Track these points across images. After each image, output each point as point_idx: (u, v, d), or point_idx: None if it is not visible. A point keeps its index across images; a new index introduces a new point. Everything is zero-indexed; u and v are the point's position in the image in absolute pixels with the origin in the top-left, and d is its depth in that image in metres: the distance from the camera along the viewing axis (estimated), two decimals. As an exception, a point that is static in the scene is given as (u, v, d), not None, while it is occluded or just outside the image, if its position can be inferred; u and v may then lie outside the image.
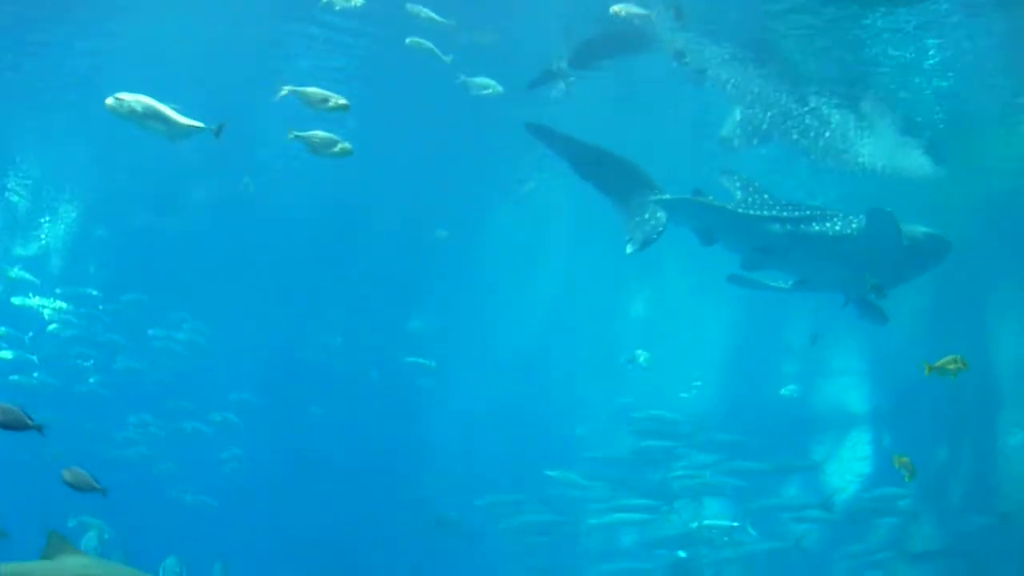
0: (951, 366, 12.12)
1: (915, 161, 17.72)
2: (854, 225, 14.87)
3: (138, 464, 26.56)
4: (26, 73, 18.14)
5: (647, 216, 14.45)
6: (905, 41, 14.78)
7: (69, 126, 19.72)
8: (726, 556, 22.83)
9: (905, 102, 16.39)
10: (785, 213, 14.96)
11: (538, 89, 16.42)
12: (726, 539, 22.61)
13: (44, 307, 25.85)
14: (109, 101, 10.33)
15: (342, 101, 11.50)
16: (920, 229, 14.96)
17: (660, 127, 17.80)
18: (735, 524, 22.70)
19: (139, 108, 10.35)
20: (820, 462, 25.39)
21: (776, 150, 17.49)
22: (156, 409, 26.23)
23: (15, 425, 9.63)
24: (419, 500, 26.69)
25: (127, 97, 10.36)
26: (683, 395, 27.27)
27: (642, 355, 24.35)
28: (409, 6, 13.56)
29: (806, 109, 16.40)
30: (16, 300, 26.19)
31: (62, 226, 25.19)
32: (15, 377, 25.48)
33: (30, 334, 25.75)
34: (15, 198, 23.51)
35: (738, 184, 15.27)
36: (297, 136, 11.44)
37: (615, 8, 13.27)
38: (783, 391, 25.53)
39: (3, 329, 25.18)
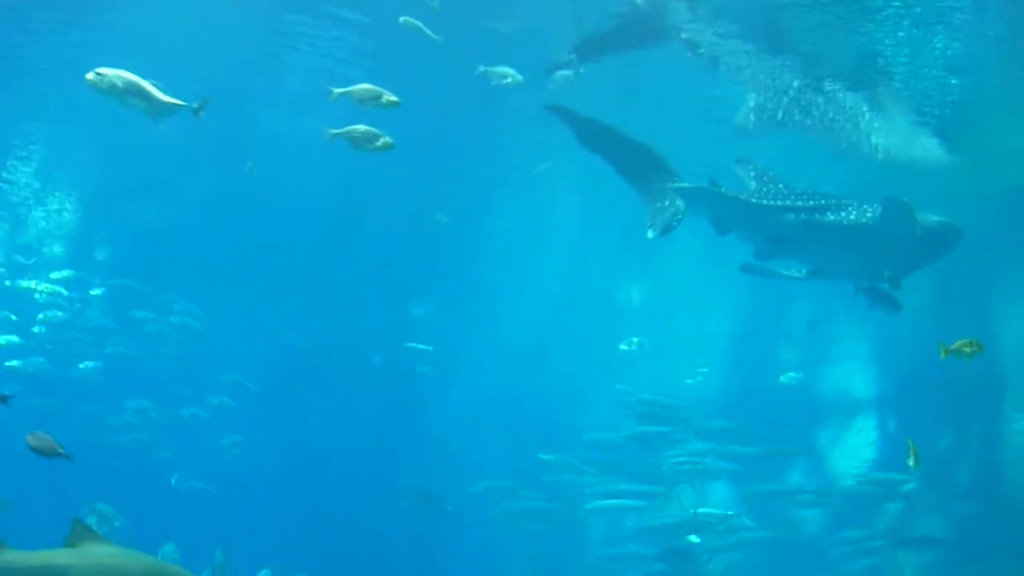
0: (967, 349, 12.06)
1: (925, 149, 17.62)
2: (869, 214, 14.82)
3: (136, 450, 26.54)
4: (25, 60, 17.89)
5: (667, 203, 14.44)
6: (913, 28, 14.57)
7: (66, 113, 19.46)
8: (723, 543, 22.85)
9: (915, 90, 16.23)
10: (800, 203, 14.90)
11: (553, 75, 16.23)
12: (721, 528, 22.63)
13: (39, 291, 25.67)
14: (89, 76, 10.13)
15: (393, 98, 11.39)
16: (933, 218, 14.94)
17: (667, 115, 17.61)
18: (729, 513, 22.72)
19: (120, 83, 10.15)
20: (814, 447, 25.40)
21: (789, 137, 17.35)
22: (155, 395, 26.20)
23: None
24: (419, 486, 26.69)
25: (108, 72, 10.15)
26: (689, 381, 27.26)
27: (637, 341, 24.36)
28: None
29: (820, 95, 16.24)
30: (11, 283, 26.06)
31: (60, 212, 24.94)
32: (14, 362, 25.42)
33: (37, 317, 25.65)
34: (12, 184, 23.26)
35: (752, 173, 15.19)
36: (337, 134, 11.33)
37: None
38: (782, 378, 25.47)
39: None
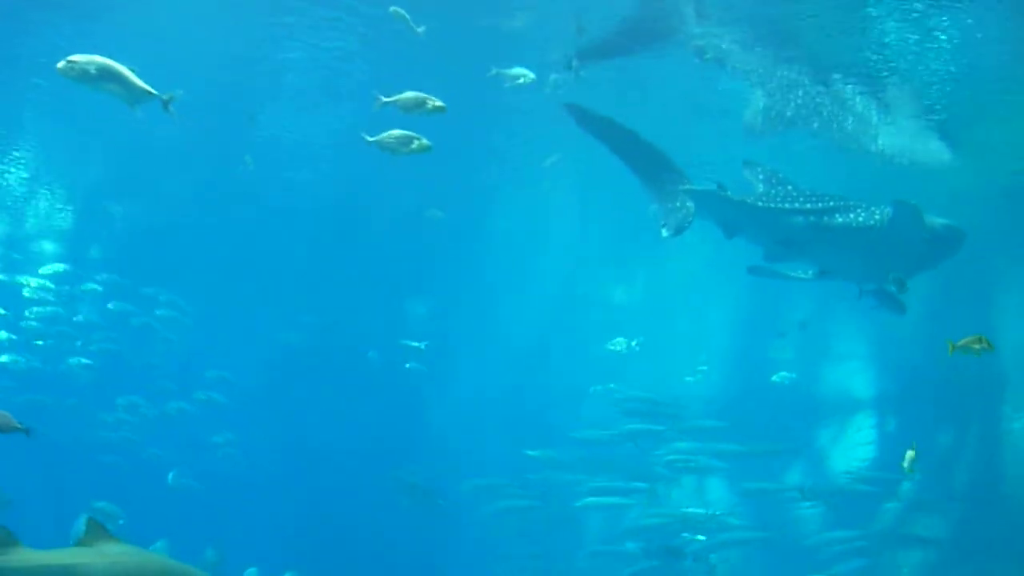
0: (976, 345, 11.95)
1: (928, 149, 17.55)
2: (877, 216, 14.82)
3: (129, 447, 26.40)
4: (22, 55, 17.68)
5: (678, 204, 14.57)
6: (912, 26, 14.47)
7: (63, 107, 19.25)
8: (713, 541, 22.86)
9: (917, 88, 16.14)
10: (809, 205, 14.91)
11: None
12: (709, 527, 22.63)
13: (28, 286, 25.47)
14: (60, 64, 9.86)
15: (438, 103, 11.35)
16: (938, 221, 14.98)
17: (672, 114, 17.49)
18: (717, 513, 22.73)
19: (92, 70, 9.87)
20: (800, 446, 25.35)
21: (796, 136, 17.27)
22: (146, 391, 26.06)
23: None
24: (411, 480, 26.64)
25: (79, 59, 9.87)
26: (689, 379, 27.20)
27: (623, 342, 24.31)
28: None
29: (829, 96, 16.15)
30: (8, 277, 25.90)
31: (55, 207, 24.72)
32: (3, 358, 25.27)
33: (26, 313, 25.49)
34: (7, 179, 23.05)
35: (760, 176, 15.12)
36: (372, 140, 11.33)
37: None
38: (774, 378, 25.43)
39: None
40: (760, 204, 14.92)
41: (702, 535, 22.63)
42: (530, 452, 23.78)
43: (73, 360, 25.81)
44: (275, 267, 26.24)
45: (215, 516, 24.95)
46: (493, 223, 24.40)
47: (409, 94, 11.43)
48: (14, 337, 26.06)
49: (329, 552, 25.98)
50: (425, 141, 11.28)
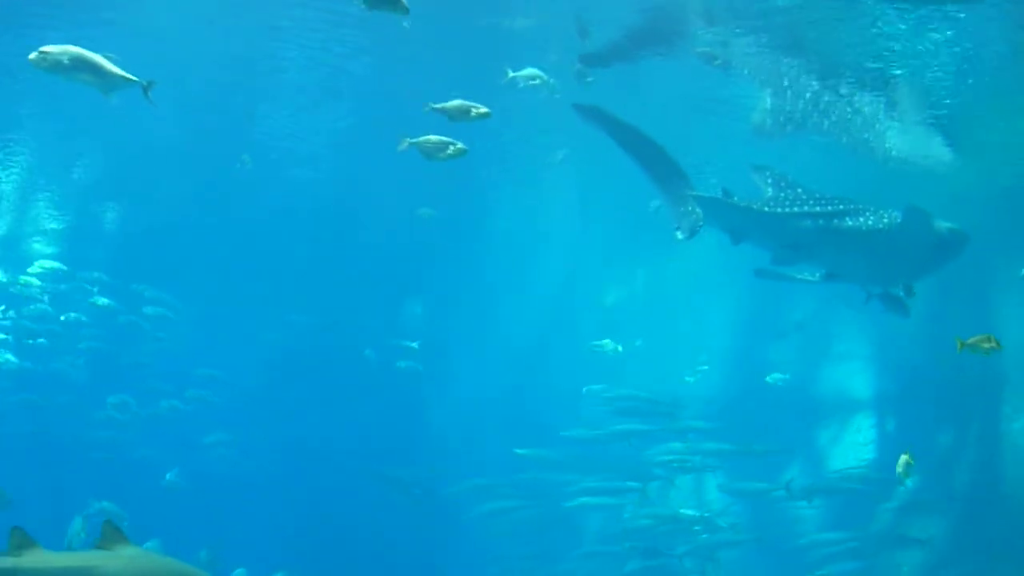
0: (984, 344, 11.90)
1: (930, 149, 17.52)
2: (885, 220, 14.75)
3: (119, 447, 26.34)
4: (19, 55, 17.48)
5: (689, 208, 14.54)
6: (913, 28, 14.42)
7: (61, 106, 19.09)
8: (706, 542, 22.88)
9: (921, 90, 16.10)
10: (817, 208, 14.80)
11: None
12: (697, 528, 22.61)
13: (21, 284, 25.32)
14: (32, 56, 9.70)
15: (483, 110, 11.25)
16: (944, 224, 14.91)
17: (678, 116, 17.41)
18: (705, 515, 22.71)
19: (66, 60, 9.73)
20: (792, 447, 25.28)
21: (803, 137, 17.24)
22: (140, 391, 25.97)
23: None
24: (388, 472, 26.63)
25: (52, 49, 9.73)
26: (689, 379, 27.16)
27: (610, 344, 24.27)
28: None
29: (838, 96, 16.10)
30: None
31: (53, 206, 24.57)
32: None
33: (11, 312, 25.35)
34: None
35: (769, 180, 15.03)
36: (411, 143, 11.26)
37: None
38: (768, 379, 25.37)
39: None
40: (767, 209, 14.83)
41: (694, 535, 22.60)
42: (519, 451, 23.67)
43: (68, 359, 25.72)
44: (275, 267, 26.13)
45: (208, 516, 24.89)
46: (493, 223, 24.33)
47: (456, 102, 11.37)
48: (7, 337, 25.94)
49: (323, 552, 25.91)
50: (461, 145, 11.19)
